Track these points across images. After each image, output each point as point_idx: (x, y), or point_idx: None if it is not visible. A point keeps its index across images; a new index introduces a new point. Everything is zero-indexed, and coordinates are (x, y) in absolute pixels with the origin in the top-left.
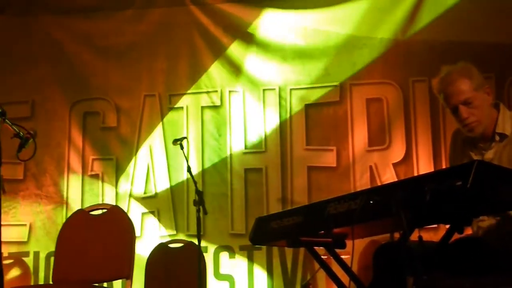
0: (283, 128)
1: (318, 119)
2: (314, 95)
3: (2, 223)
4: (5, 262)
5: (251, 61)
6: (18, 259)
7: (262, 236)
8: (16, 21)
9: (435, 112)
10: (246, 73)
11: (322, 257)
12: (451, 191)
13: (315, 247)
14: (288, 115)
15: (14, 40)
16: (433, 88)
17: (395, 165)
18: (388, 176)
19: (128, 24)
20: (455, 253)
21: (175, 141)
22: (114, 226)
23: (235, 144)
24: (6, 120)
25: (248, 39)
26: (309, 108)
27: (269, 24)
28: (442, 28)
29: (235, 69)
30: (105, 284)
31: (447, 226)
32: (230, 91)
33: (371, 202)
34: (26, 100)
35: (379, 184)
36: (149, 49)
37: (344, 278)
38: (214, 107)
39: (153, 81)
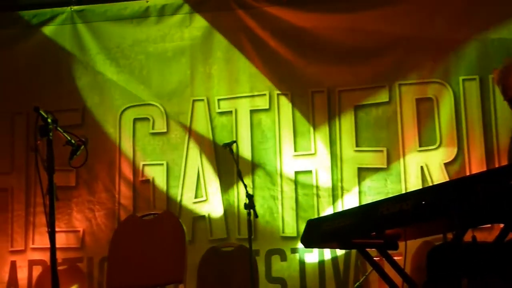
0: (333, 130)
1: (368, 120)
2: (363, 96)
3: (56, 229)
4: (59, 268)
5: (299, 63)
6: (72, 265)
7: (314, 238)
8: (67, 29)
9: (487, 110)
10: (295, 76)
11: (375, 258)
12: (505, 190)
13: (367, 249)
14: (337, 117)
15: (65, 48)
16: (493, 79)
17: (446, 165)
18: (440, 176)
19: (176, 29)
20: (509, 253)
21: (224, 145)
22: (165, 231)
23: (285, 147)
24: (58, 128)
25: (296, 41)
26: (358, 109)
27: (317, 25)
28: (493, 26)
29: (283, 71)
30: None
31: (502, 225)
32: (278, 94)
33: (423, 202)
34: (76, 107)
35: (430, 184)
36: (197, 53)
37: (396, 279)
38: (263, 111)
39: (201, 86)
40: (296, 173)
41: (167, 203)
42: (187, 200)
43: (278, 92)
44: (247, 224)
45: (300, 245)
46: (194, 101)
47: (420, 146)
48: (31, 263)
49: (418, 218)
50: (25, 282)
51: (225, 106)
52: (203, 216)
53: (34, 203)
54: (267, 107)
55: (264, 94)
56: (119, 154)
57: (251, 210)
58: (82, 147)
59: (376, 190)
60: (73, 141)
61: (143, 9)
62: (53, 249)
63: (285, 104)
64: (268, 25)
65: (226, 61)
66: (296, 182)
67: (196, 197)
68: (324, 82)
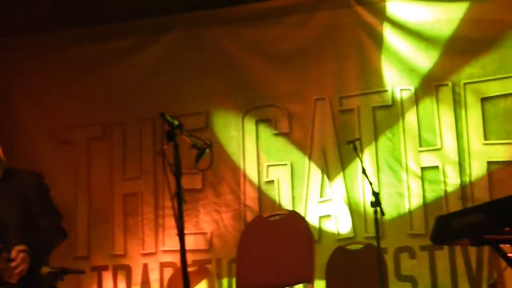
0: (459, 123)
1: (496, 112)
2: (490, 88)
3: (185, 232)
4: (189, 269)
5: (421, 57)
6: (201, 267)
7: (444, 235)
8: (188, 35)
9: None
10: (417, 70)
11: (509, 255)
12: None
13: (500, 245)
14: (463, 110)
15: (187, 54)
16: None
17: None
18: None
19: (295, 29)
20: None
21: (348, 143)
22: (292, 231)
23: (409, 142)
24: (184, 132)
25: (416, 35)
26: (485, 101)
27: (437, 19)
28: None
29: (405, 66)
30: None
31: None
32: (401, 89)
33: None
34: (200, 111)
35: None
36: (317, 52)
37: None
38: (386, 107)
39: (322, 85)
40: (423, 169)
41: (292, 203)
42: (312, 199)
43: (401, 87)
44: (374, 222)
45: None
46: (316, 100)
47: None
48: (162, 265)
49: None
50: (157, 284)
51: (347, 104)
52: (329, 215)
53: (163, 206)
54: (389, 103)
55: (386, 90)
56: (243, 156)
57: (378, 208)
58: (207, 150)
59: (507, 184)
60: (198, 145)
61: (262, 10)
62: (183, 251)
63: (408, 99)
64: (388, 21)
65: (347, 59)
66: (422, 178)
67: (321, 196)
68: (448, 76)
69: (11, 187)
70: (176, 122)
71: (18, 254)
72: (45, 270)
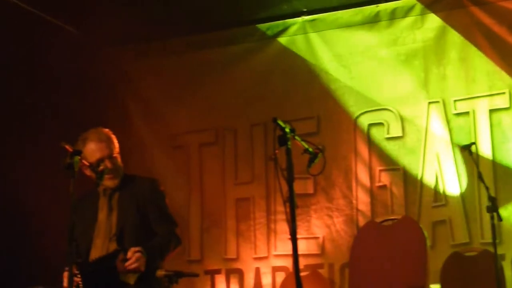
0: None
1: None
2: None
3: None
4: (301, 274)
5: None
6: (314, 271)
7: None
8: (299, 38)
9: None
10: None
11: None
12: None
13: None
14: None
15: (298, 58)
16: None
17: None
18: None
19: (408, 31)
20: None
21: (463, 147)
22: (406, 236)
23: None
24: (296, 137)
25: None
26: None
27: None
28: None
29: None
30: None
31: None
32: None
33: None
34: (311, 116)
35: None
36: (431, 54)
37: None
38: (503, 110)
39: (436, 87)
40: None
41: (405, 208)
42: (426, 204)
43: None
44: (490, 228)
45: None
46: (429, 103)
47: None
48: (274, 270)
49: None
50: None
51: (462, 107)
52: (443, 221)
53: (275, 211)
54: (507, 105)
55: (504, 93)
56: (355, 160)
57: (494, 213)
58: (320, 154)
59: None
60: (310, 149)
61: (374, 14)
62: (295, 255)
63: None
64: (505, 21)
65: (461, 61)
66: None
67: (435, 201)
68: None
69: (129, 193)
70: (288, 127)
71: (133, 254)
72: (160, 272)
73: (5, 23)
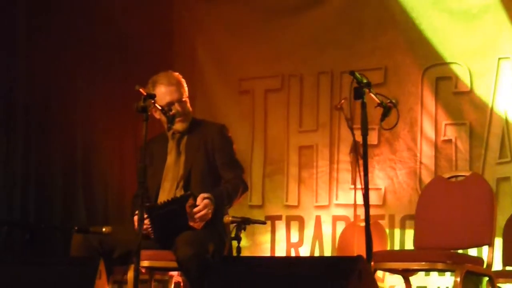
0: None
1: None
2: None
3: (357, 187)
4: (361, 224)
5: None
6: (375, 222)
7: None
8: None
9: None
10: None
11: None
12: None
13: None
14: None
15: (367, 9)
16: None
17: None
18: None
19: None
20: None
21: None
22: (473, 193)
23: None
24: (371, 90)
25: None
26: None
27: None
28: None
29: None
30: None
31: None
32: None
33: None
34: (379, 66)
35: None
36: (502, 10)
37: None
38: None
39: (508, 44)
40: None
41: (469, 163)
42: (491, 160)
43: None
44: None
45: None
46: (499, 59)
47: None
48: (335, 219)
49: None
50: (329, 237)
51: None
52: (508, 178)
53: (337, 160)
54: None
55: None
56: (421, 113)
57: None
58: (393, 109)
59: None
60: (384, 103)
61: None
62: (367, 209)
63: None
64: None
65: None
66: None
67: (500, 157)
68: None
69: (197, 137)
70: (365, 80)
71: (202, 200)
72: (227, 219)
73: None
